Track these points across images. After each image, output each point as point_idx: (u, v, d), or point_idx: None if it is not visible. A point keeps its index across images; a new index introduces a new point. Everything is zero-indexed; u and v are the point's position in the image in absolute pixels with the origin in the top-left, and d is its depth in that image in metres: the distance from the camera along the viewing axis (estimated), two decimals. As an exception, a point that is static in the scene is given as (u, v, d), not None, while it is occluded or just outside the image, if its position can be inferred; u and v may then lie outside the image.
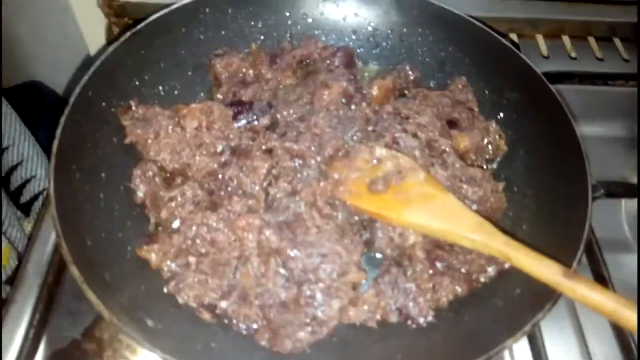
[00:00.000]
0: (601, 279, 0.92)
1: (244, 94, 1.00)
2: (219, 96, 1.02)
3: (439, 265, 0.82)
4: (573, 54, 1.30)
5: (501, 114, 0.99)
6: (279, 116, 0.97)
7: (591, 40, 1.33)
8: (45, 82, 1.53)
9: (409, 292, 0.78)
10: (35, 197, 1.33)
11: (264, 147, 0.91)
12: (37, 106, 1.47)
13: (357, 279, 0.81)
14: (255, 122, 0.95)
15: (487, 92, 1.01)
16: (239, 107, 0.95)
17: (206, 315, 0.76)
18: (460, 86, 1.02)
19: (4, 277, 1.10)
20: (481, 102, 1.02)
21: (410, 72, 1.06)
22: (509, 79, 0.98)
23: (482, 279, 0.82)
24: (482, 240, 0.76)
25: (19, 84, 1.46)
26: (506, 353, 0.83)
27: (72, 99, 0.83)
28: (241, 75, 1.04)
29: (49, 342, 0.81)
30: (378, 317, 0.78)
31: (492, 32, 1.00)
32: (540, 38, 1.32)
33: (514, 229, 0.87)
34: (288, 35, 1.09)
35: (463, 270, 0.82)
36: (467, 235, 0.77)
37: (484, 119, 0.99)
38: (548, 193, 0.88)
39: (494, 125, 0.97)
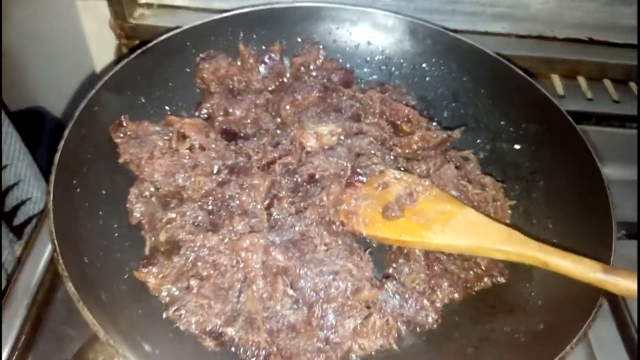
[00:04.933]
0: (624, 323, 0.88)
1: (235, 109, 0.97)
2: (206, 111, 0.98)
3: (436, 267, 0.81)
4: (589, 95, 1.29)
5: (518, 145, 0.96)
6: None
7: (607, 82, 1.32)
8: (50, 107, 1.51)
9: (409, 298, 0.77)
10: (29, 220, 1.28)
11: (263, 162, 0.88)
12: (38, 133, 1.44)
13: (371, 296, 0.77)
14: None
15: (502, 122, 0.99)
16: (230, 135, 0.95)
17: (209, 343, 0.71)
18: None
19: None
20: (496, 134, 0.99)
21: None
22: (526, 110, 0.96)
23: (476, 288, 0.81)
24: (516, 251, 0.73)
25: (22, 109, 1.43)
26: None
27: (77, 112, 0.81)
28: (230, 83, 1.02)
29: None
30: (393, 338, 0.75)
31: (508, 63, 0.99)
32: (555, 78, 1.31)
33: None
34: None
35: (462, 275, 0.81)
36: (499, 248, 0.75)
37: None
38: (569, 228, 0.84)
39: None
